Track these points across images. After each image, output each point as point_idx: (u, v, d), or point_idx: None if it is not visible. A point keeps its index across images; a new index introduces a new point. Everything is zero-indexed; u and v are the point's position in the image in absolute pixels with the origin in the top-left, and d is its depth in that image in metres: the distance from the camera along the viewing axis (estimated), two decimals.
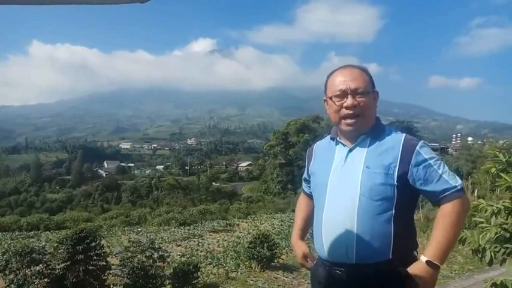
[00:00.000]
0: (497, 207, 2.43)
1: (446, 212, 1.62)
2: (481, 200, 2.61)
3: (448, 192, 1.62)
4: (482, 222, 2.49)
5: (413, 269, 1.60)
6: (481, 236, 2.41)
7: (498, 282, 2.37)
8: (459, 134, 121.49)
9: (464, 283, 6.53)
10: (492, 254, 2.38)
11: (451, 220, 1.61)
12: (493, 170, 2.55)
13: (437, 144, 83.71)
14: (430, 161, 1.65)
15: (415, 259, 1.70)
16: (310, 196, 2.01)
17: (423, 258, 1.59)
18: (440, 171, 1.64)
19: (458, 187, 1.63)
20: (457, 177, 1.67)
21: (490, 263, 2.41)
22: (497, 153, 2.53)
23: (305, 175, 2.04)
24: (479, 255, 2.44)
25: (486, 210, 2.48)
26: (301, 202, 2.12)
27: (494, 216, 2.44)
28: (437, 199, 1.65)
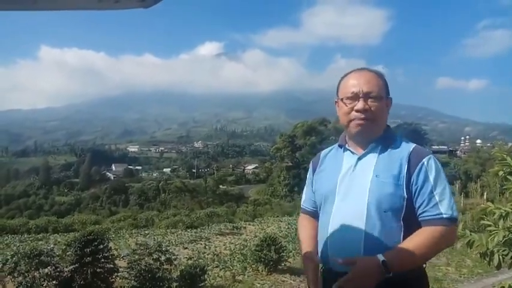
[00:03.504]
0: (505, 210, 2.42)
1: (427, 231, 1.55)
2: (489, 203, 2.60)
3: (431, 217, 1.56)
4: (490, 226, 2.47)
5: (364, 260, 1.51)
6: (489, 239, 2.39)
7: (506, 286, 2.35)
8: (468, 137, 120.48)
9: (473, 287, 6.47)
10: (500, 257, 2.36)
11: (428, 239, 1.53)
12: (500, 173, 2.53)
13: (445, 147, 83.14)
14: (430, 177, 1.59)
15: (423, 272, 1.66)
16: (311, 214, 1.92)
17: (380, 257, 1.49)
18: (434, 191, 1.57)
19: (444, 216, 1.54)
20: (452, 206, 1.58)
21: (499, 267, 2.39)
22: (505, 156, 2.51)
23: (308, 188, 1.95)
24: (488, 259, 2.42)
25: (494, 214, 2.47)
26: (303, 224, 1.95)
27: (502, 219, 2.42)
28: (420, 218, 1.59)
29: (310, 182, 1.92)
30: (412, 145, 1.68)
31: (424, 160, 1.61)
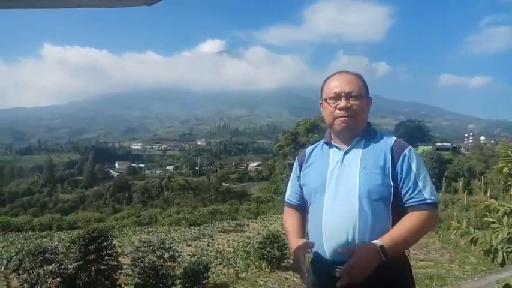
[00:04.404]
0: (509, 208, 2.41)
1: (414, 216, 1.68)
2: (493, 200, 2.59)
3: (417, 202, 1.69)
4: (494, 223, 2.47)
5: (362, 248, 1.62)
6: (493, 236, 2.38)
7: (511, 284, 2.34)
8: (471, 134, 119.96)
9: (476, 284, 6.47)
10: (504, 254, 2.35)
11: (416, 223, 1.66)
12: (505, 169, 2.52)
13: (449, 144, 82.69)
14: (413, 166, 1.72)
15: (406, 257, 1.79)
16: (296, 208, 2.00)
17: (377, 243, 1.61)
18: (418, 179, 1.71)
19: (428, 201, 1.69)
20: (434, 191, 1.73)
21: (503, 264, 2.38)
22: (510, 152, 2.50)
23: (293, 182, 2.02)
24: (492, 256, 2.41)
25: (498, 211, 2.46)
26: (289, 217, 2.02)
27: (506, 216, 2.41)
28: (406, 204, 1.71)
29: (297, 176, 2.00)
30: (393, 138, 1.82)
31: (405, 151, 1.75)
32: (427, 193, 1.69)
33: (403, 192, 1.71)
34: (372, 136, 1.82)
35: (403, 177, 1.71)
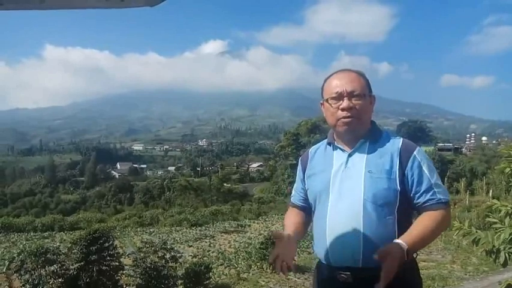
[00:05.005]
0: (511, 208, 2.40)
1: (430, 214, 1.64)
2: (495, 201, 2.59)
3: (432, 202, 1.65)
4: (496, 223, 2.46)
5: (396, 250, 1.52)
6: (495, 236, 2.38)
7: None
8: (473, 134, 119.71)
9: (478, 284, 6.45)
10: (506, 255, 2.35)
11: (434, 222, 1.62)
12: (507, 170, 2.52)
13: (450, 145, 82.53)
14: (424, 168, 1.68)
15: (414, 261, 1.72)
16: (300, 208, 1.96)
17: (404, 246, 1.53)
18: (431, 181, 1.67)
19: (443, 200, 1.66)
20: (446, 191, 1.71)
21: (505, 264, 2.38)
22: None
23: (297, 185, 1.98)
24: (494, 257, 2.41)
25: (500, 211, 2.46)
26: (290, 213, 1.98)
27: (508, 216, 2.41)
28: (421, 206, 1.67)
29: (301, 179, 1.95)
30: (400, 139, 1.75)
31: (414, 153, 1.69)
32: (441, 193, 1.66)
33: (416, 195, 1.66)
34: (378, 137, 1.76)
35: (415, 180, 1.66)
